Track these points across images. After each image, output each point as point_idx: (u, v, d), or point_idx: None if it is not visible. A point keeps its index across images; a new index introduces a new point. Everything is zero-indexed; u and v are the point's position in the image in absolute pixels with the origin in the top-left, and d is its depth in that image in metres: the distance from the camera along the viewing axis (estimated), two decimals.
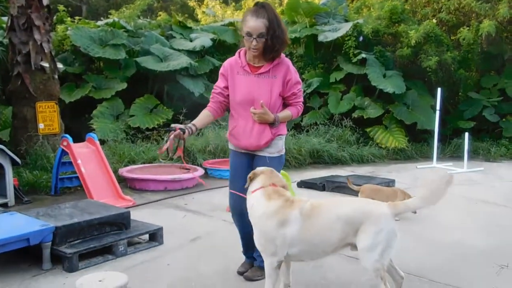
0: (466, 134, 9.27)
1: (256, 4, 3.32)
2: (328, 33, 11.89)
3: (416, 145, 11.00)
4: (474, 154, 10.75)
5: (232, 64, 3.45)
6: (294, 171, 8.39)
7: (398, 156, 10.47)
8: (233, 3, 20.47)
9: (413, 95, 11.39)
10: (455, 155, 10.70)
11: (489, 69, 12.80)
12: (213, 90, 3.56)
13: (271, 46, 3.23)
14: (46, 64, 7.84)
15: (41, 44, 7.77)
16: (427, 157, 10.30)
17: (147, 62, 10.59)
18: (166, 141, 3.23)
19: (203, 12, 19.09)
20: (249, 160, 3.53)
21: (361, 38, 11.72)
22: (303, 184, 7.20)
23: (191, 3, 20.98)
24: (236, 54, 3.45)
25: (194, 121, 3.49)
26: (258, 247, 3.05)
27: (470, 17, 12.30)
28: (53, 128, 7.76)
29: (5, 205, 5.68)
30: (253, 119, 3.36)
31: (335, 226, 2.87)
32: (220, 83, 3.51)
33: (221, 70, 3.52)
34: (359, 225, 2.86)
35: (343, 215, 2.88)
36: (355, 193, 6.58)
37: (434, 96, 10.19)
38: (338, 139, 10.12)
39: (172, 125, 3.35)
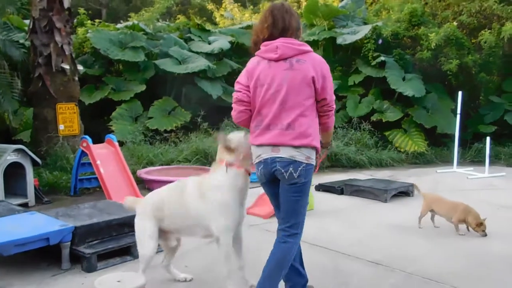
0: (488, 138, 9.09)
1: None
2: (347, 36, 11.82)
3: (436, 149, 10.85)
4: (496, 159, 10.54)
5: None
6: (313, 174, 8.33)
7: (418, 160, 10.33)
8: (251, 6, 20.51)
9: (433, 99, 11.25)
10: (476, 160, 10.52)
11: (511, 72, 12.58)
12: None
13: None
14: (66, 66, 7.94)
15: (61, 46, 7.87)
16: (447, 161, 10.15)
17: (166, 65, 10.66)
18: None
19: (221, 15, 19.17)
20: None
21: (380, 41, 11.62)
22: (321, 188, 7.15)
23: (209, 6, 21.08)
24: None
25: None
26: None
27: (492, 19, 12.09)
28: (73, 129, 7.85)
29: (25, 205, 5.75)
30: None
31: None
32: None
33: None
34: None
35: None
36: (373, 197, 6.53)
37: (454, 99, 10.05)
38: (356, 142, 10.03)
39: None
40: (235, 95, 3.05)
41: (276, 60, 2.90)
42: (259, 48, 3.03)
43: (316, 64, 2.91)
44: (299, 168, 2.86)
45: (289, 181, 2.89)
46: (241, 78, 3.06)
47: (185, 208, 3.21)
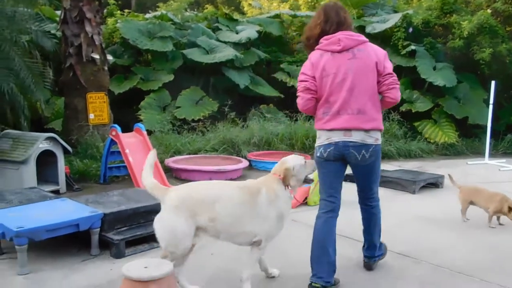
0: None
1: None
2: (376, 25, 11.64)
3: (467, 140, 10.62)
4: None
5: None
6: None
7: (448, 151, 10.14)
8: None
9: (465, 89, 10.99)
10: (509, 151, 10.26)
11: None
12: None
13: None
14: (96, 56, 8.06)
15: (92, 36, 7.99)
16: (479, 153, 9.92)
17: (194, 54, 10.72)
18: None
19: (249, 4, 19.11)
20: None
21: (410, 29, 11.39)
22: (348, 178, 7.06)
23: None
24: None
25: None
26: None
27: None
28: (102, 118, 7.98)
29: (57, 192, 5.89)
30: None
31: None
32: None
33: None
34: None
35: None
36: (401, 188, 6.44)
37: (487, 89, 9.80)
38: (385, 133, 9.88)
39: None
40: (301, 84, 3.30)
41: (340, 51, 3.21)
42: (312, 43, 3.38)
43: (374, 51, 3.26)
44: (370, 150, 3.23)
45: (363, 163, 3.26)
46: (306, 69, 3.31)
47: (252, 211, 3.12)
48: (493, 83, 9.12)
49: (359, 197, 3.57)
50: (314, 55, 3.31)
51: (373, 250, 3.65)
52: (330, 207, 3.36)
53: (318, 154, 3.35)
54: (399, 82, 3.30)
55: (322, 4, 3.60)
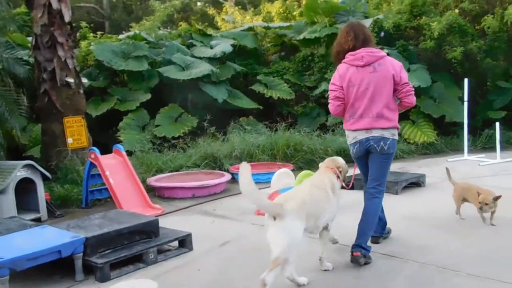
0: (497, 124, 8.99)
1: None
2: None
3: (446, 138, 10.75)
4: (507, 144, 10.44)
5: None
6: None
7: (428, 150, 10.25)
8: (252, 8, 20.54)
9: (440, 88, 11.16)
10: (487, 146, 10.40)
11: None
12: None
13: None
14: (71, 80, 7.98)
15: (65, 60, 7.91)
16: (458, 150, 10.06)
17: (170, 72, 10.71)
18: None
19: (223, 19, 19.20)
20: None
21: (382, 34, 11.55)
22: None
23: (211, 11, 21.14)
24: None
25: None
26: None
27: (494, 4, 11.98)
28: (81, 142, 7.89)
29: (38, 220, 5.79)
30: None
31: None
32: None
33: None
34: None
35: None
36: None
37: (461, 87, 9.97)
38: None
39: None
40: (332, 93, 4.03)
41: (363, 66, 3.90)
42: (341, 57, 4.04)
43: (392, 64, 3.92)
44: (388, 142, 3.90)
45: (381, 152, 3.92)
46: (335, 80, 4.02)
47: (326, 204, 3.65)
48: (466, 80, 9.28)
49: (367, 186, 4.08)
50: (341, 68, 3.99)
51: (362, 238, 3.89)
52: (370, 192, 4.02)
53: (351, 153, 4.14)
54: (413, 89, 3.97)
55: (348, 23, 4.26)
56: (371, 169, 4.04)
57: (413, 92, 3.93)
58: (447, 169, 5.49)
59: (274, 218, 3.20)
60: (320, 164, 4.04)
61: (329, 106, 4.07)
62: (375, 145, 3.90)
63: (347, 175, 4.11)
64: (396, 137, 3.98)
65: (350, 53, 3.96)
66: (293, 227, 3.23)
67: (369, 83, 3.86)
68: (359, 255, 3.76)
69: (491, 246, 4.20)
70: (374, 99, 3.87)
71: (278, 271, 3.14)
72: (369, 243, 3.94)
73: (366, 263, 3.81)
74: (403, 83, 3.89)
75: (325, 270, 3.73)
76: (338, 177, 3.86)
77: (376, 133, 3.89)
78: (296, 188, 3.90)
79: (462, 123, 9.51)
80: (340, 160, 4.02)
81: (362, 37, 3.97)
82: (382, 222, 4.28)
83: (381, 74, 3.87)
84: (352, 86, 3.92)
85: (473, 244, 4.26)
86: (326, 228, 3.72)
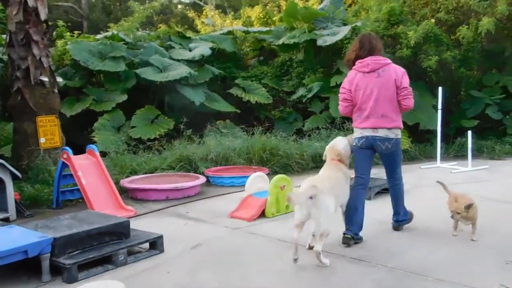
0: (469, 132, 9.17)
1: None
2: (327, 37, 11.89)
3: (420, 145, 10.90)
4: (479, 153, 10.63)
5: None
6: (297, 176, 8.33)
7: (402, 157, 10.36)
8: (232, 12, 20.56)
9: (415, 96, 11.18)
10: (459, 154, 10.59)
11: (490, 67, 12.72)
12: None
13: None
14: (45, 79, 7.86)
15: (40, 58, 7.79)
16: (431, 157, 10.21)
17: (147, 73, 10.64)
18: None
19: (203, 22, 19.19)
20: None
21: None
22: None
23: (191, 14, 21.10)
24: None
25: None
26: None
27: (469, 15, 12.23)
28: (54, 142, 7.77)
29: (6, 220, 5.66)
30: None
31: None
32: None
33: None
34: None
35: None
36: None
37: (435, 96, 10.13)
38: None
39: None
40: (341, 95, 4.62)
41: (368, 72, 4.46)
42: (350, 64, 4.64)
43: (395, 70, 4.47)
44: (392, 142, 4.52)
45: (386, 151, 4.56)
46: (345, 84, 4.61)
47: (342, 186, 4.38)
48: (440, 89, 9.44)
49: (387, 177, 4.86)
50: (351, 74, 4.59)
51: (397, 215, 4.85)
52: (361, 182, 4.64)
53: (354, 144, 4.65)
54: (412, 94, 4.48)
55: (360, 33, 4.96)
56: (384, 166, 4.80)
57: (411, 96, 4.45)
58: (441, 184, 5.17)
59: (311, 198, 3.82)
60: (324, 154, 4.69)
61: (339, 107, 4.70)
62: (381, 145, 4.50)
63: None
64: (399, 136, 4.57)
65: (358, 60, 4.54)
66: (329, 202, 3.95)
67: (374, 87, 4.43)
68: (396, 226, 4.89)
69: (460, 251, 4.28)
70: (378, 101, 4.42)
71: (324, 240, 3.90)
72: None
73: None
74: (402, 87, 4.42)
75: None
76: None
77: (381, 133, 4.47)
78: (317, 176, 4.38)
79: (436, 131, 9.66)
80: (338, 147, 4.61)
81: (369, 47, 4.53)
82: (360, 223, 4.55)
83: (385, 79, 4.42)
84: (358, 90, 4.48)
85: (442, 249, 4.32)
86: (341, 206, 4.45)
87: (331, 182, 4.18)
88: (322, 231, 3.86)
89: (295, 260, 3.88)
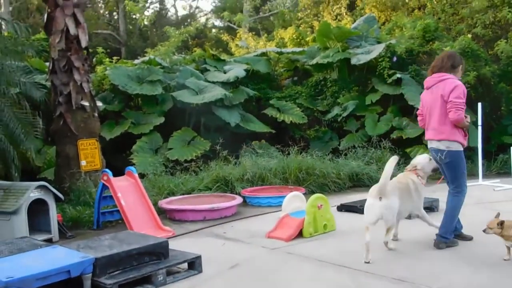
0: None
1: None
2: (361, 56, 11.85)
3: None
4: None
5: None
6: (334, 195, 8.26)
7: (441, 175, 10.11)
8: (265, 34, 20.78)
9: None
10: (502, 171, 10.27)
11: None
12: None
13: None
14: (86, 103, 8.12)
15: (81, 84, 8.07)
16: (473, 174, 9.89)
17: (183, 96, 10.83)
18: None
19: (236, 45, 19.47)
20: None
21: (394, 59, 11.60)
22: (343, 208, 7.05)
23: (224, 37, 21.46)
24: None
25: None
26: None
27: (508, 29, 12.01)
28: (94, 164, 7.97)
29: (49, 240, 5.80)
30: None
31: None
32: None
33: None
34: None
35: None
36: None
37: (475, 112, 9.91)
38: (377, 161, 9.90)
39: None
40: (419, 111, 5.14)
41: (427, 88, 4.96)
42: None
43: (444, 85, 4.71)
44: (444, 153, 4.78)
45: (441, 162, 4.88)
46: (421, 100, 5.12)
47: (413, 196, 4.94)
48: (479, 105, 9.23)
49: (449, 187, 5.02)
50: (424, 91, 5.07)
51: (442, 229, 4.86)
52: (449, 189, 5.00)
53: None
54: (457, 107, 4.60)
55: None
56: (444, 174, 5.04)
57: (454, 109, 4.59)
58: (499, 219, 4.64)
59: (380, 199, 4.57)
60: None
61: (418, 119, 5.22)
62: (435, 155, 4.87)
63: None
64: (454, 148, 4.74)
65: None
66: (394, 203, 4.64)
67: (427, 103, 4.90)
68: (436, 242, 4.86)
69: (502, 271, 4.11)
70: (431, 116, 4.84)
71: (392, 232, 4.83)
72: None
73: (448, 247, 4.83)
74: (449, 101, 4.64)
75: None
76: (417, 175, 5.01)
77: (434, 145, 4.84)
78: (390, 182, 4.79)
79: (477, 148, 9.41)
80: (416, 160, 5.17)
81: (440, 65, 4.86)
82: (459, 225, 5.09)
83: (434, 95, 4.78)
84: (423, 106, 5.04)
85: (485, 269, 4.17)
86: (418, 215, 5.13)
87: (393, 185, 4.75)
88: (390, 226, 4.72)
89: (367, 263, 4.38)
